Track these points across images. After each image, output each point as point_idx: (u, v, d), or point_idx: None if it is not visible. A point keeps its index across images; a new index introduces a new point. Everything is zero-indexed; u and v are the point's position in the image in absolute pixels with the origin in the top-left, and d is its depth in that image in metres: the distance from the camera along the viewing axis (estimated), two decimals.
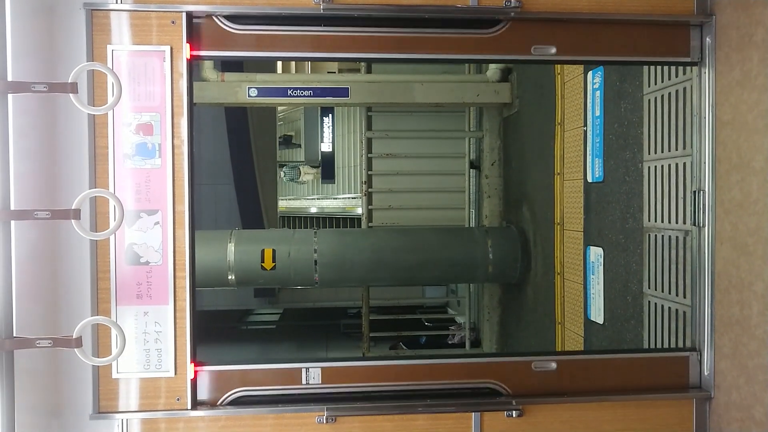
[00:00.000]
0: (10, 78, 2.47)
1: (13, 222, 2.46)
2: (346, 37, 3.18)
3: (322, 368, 3.20)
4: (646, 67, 4.66)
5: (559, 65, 6.34)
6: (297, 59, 3.05)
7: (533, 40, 3.22)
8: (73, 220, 2.44)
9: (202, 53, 3.08)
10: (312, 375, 3.19)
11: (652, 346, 4.52)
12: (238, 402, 3.16)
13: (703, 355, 3.30)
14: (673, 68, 4.29)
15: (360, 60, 3.15)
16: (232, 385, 3.17)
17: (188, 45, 3.02)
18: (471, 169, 9.35)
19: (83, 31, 2.94)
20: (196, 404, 3.09)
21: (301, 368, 3.20)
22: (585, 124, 5.77)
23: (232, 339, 12.86)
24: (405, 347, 10.36)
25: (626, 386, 3.31)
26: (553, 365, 3.28)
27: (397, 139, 9.38)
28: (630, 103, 4.95)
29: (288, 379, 3.20)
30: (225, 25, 3.07)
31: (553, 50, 3.22)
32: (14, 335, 2.47)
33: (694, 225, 3.37)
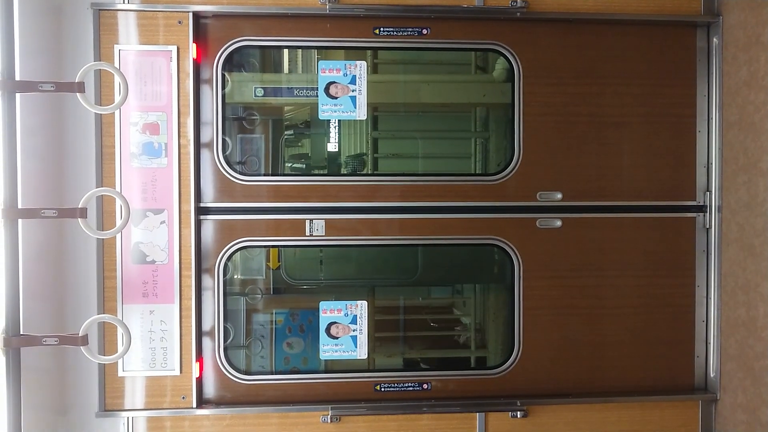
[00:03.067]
0: (18, 77, 2.48)
1: (20, 220, 2.48)
2: (357, 186, 3.26)
3: (326, 220, 3.18)
4: None
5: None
6: (303, 211, 3.22)
7: (538, 186, 3.24)
8: (79, 219, 2.45)
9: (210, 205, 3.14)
10: (316, 227, 3.18)
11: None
12: (242, 402, 3.17)
13: (710, 213, 3.28)
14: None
15: (370, 210, 3.27)
16: (237, 235, 3.16)
17: (195, 45, 3.03)
18: None
19: (90, 31, 2.96)
20: (201, 403, 3.10)
21: (304, 219, 3.18)
22: None
23: None
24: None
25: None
26: (558, 223, 3.26)
27: (402, 139, 9.36)
28: None
29: (292, 230, 3.19)
30: None
31: (559, 196, 3.23)
32: (21, 333, 2.48)
33: (701, 226, 3.35)
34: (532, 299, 3.25)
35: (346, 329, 3.26)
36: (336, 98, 3.22)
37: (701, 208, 3.31)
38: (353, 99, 3.22)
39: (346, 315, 3.26)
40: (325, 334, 3.24)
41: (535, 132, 3.23)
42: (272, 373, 3.53)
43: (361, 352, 3.25)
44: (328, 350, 3.25)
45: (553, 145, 3.24)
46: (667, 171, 3.30)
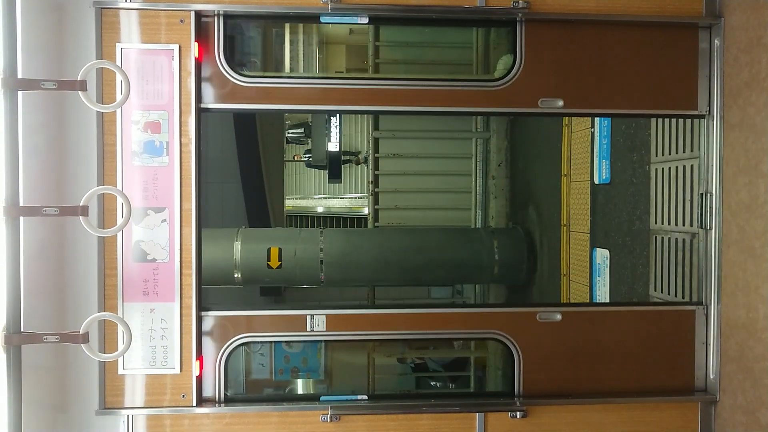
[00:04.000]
0: (20, 75, 2.48)
1: (21, 218, 2.48)
2: (359, 90, 3.21)
3: (327, 315, 3.18)
4: None
5: None
6: (304, 112, 3.11)
7: (540, 92, 3.21)
8: (81, 217, 2.45)
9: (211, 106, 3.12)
10: (317, 322, 3.17)
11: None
12: (242, 400, 3.17)
13: (710, 309, 3.28)
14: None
15: (371, 113, 3.21)
16: (238, 331, 3.16)
17: (197, 44, 3.03)
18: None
19: (92, 30, 2.96)
20: (201, 401, 3.10)
21: (305, 315, 3.18)
22: (592, 126, 5.75)
23: None
24: (414, 361, 10.37)
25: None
26: (558, 317, 3.26)
27: (403, 139, 9.38)
28: None
29: (293, 325, 3.19)
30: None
31: (560, 103, 3.21)
32: (22, 330, 2.48)
33: (701, 227, 3.36)
34: (533, 392, 3.25)
35: None
36: None
37: (702, 117, 3.27)
38: None
39: None
40: None
41: (536, 39, 3.18)
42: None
43: None
44: None
45: (555, 52, 3.20)
46: (668, 83, 3.26)
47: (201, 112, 3.06)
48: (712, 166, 3.28)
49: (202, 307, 3.09)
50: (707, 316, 3.29)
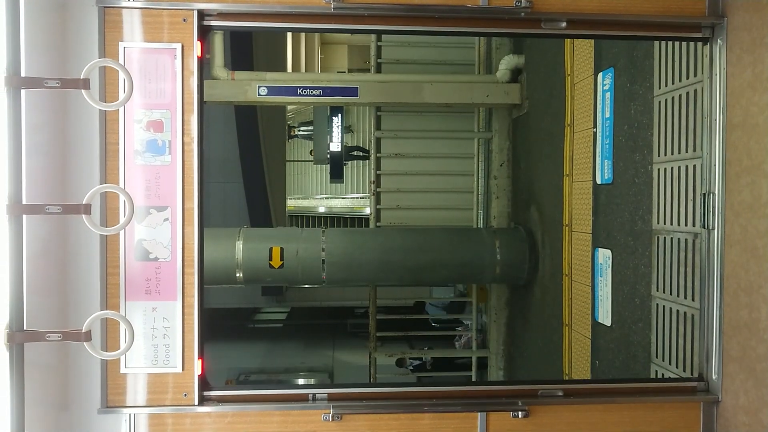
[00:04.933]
0: (23, 74, 2.49)
1: (24, 216, 2.48)
2: (357, 15, 3.14)
3: (329, 393, 3.20)
4: (656, 69, 4.64)
5: (569, 66, 6.33)
6: (307, 30, 3.06)
7: (543, 15, 3.17)
8: (83, 215, 2.46)
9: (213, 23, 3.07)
10: (318, 399, 3.19)
11: (659, 349, 4.51)
12: (243, 400, 3.18)
13: (710, 385, 3.30)
14: (683, 70, 4.27)
15: (370, 32, 3.15)
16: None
17: (199, 43, 3.04)
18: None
19: (95, 28, 2.96)
20: (203, 400, 3.10)
21: (307, 394, 3.21)
22: (594, 126, 5.76)
23: (240, 337, 12.90)
24: (412, 363, 10.42)
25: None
26: (560, 393, 3.26)
27: (405, 138, 9.39)
28: (640, 104, 4.93)
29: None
30: None
31: (563, 24, 3.17)
32: (24, 328, 2.49)
33: (704, 227, 3.35)
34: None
35: None
36: None
37: (706, 41, 3.24)
38: None
39: None
40: None
41: None
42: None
43: None
44: None
45: None
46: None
47: (204, 30, 3.01)
48: (715, 166, 3.28)
49: (205, 386, 3.10)
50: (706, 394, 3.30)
